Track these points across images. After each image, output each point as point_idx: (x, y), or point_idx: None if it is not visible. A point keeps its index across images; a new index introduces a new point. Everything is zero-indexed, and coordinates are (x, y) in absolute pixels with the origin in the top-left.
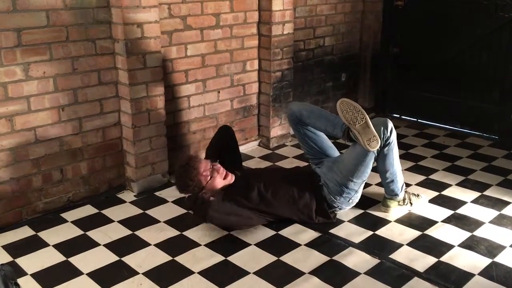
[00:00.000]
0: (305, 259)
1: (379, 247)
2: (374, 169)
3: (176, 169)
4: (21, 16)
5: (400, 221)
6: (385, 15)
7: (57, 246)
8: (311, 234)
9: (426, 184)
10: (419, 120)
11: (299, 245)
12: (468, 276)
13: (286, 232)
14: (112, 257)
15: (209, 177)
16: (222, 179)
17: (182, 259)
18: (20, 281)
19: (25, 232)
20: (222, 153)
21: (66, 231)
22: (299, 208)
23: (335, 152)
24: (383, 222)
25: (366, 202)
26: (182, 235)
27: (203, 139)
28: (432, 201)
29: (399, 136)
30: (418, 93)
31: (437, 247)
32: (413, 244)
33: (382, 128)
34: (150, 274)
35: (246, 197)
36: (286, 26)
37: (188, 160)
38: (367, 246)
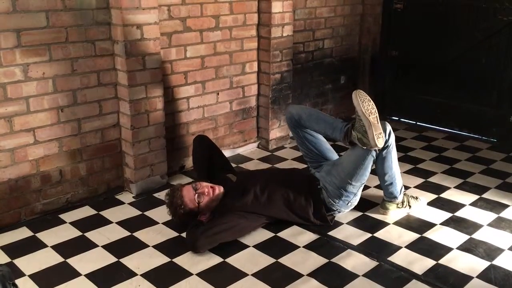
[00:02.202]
0: (304, 261)
1: (377, 249)
2: (373, 172)
3: (167, 207)
4: (21, 17)
5: (398, 223)
6: (384, 18)
7: (56, 247)
8: (309, 236)
9: (425, 186)
10: (418, 123)
11: (297, 247)
12: (466, 278)
13: (285, 234)
14: (110, 259)
15: (198, 202)
16: (210, 198)
17: (180, 260)
18: (18, 282)
19: (23, 233)
20: (210, 168)
21: (65, 232)
22: (295, 210)
23: (334, 155)
24: (382, 224)
25: (364, 204)
26: (181, 237)
27: None
28: (431, 203)
29: (398, 139)
30: (417, 96)
31: (435, 250)
32: (412, 246)
33: None
34: (148, 276)
35: (241, 201)
36: (286, 28)
37: (171, 198)
38: (365, 248)
